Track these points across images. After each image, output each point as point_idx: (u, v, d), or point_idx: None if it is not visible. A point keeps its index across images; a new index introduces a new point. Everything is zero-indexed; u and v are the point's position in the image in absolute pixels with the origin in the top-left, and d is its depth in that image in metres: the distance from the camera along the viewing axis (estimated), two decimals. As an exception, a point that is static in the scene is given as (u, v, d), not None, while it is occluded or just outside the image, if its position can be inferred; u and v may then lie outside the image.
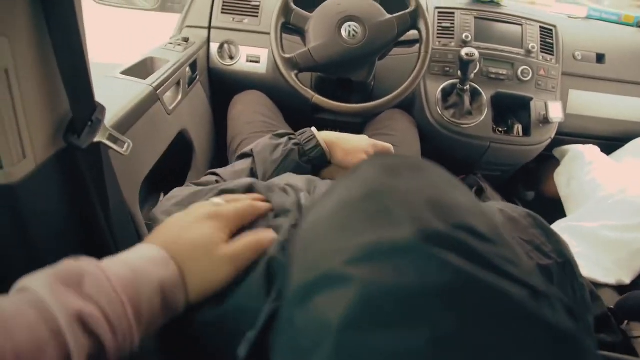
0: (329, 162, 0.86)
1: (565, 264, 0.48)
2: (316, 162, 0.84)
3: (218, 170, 0.79)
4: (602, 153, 1.53)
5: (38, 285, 0.35)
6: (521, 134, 1.50)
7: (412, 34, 1.32)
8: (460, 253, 0.22)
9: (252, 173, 0.80)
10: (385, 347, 0.20)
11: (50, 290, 0.35)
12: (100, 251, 0.70)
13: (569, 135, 1.63)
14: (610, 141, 1.63)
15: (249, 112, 1.38)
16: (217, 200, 0.51)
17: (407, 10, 1.27)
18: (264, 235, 0.46)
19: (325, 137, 0.85)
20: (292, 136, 0.85)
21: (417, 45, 1.30)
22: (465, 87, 1.44)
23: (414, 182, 0.28)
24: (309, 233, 0.29)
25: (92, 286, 0.36)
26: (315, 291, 0.24)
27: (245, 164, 0.82)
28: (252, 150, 0.83)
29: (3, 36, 0.46)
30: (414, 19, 1.27)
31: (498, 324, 0.20)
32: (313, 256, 0.26)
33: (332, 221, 0.28)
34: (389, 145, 0.91)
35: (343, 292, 0.22)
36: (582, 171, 1.44)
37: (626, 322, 0.91)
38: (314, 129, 0.86)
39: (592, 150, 1.53)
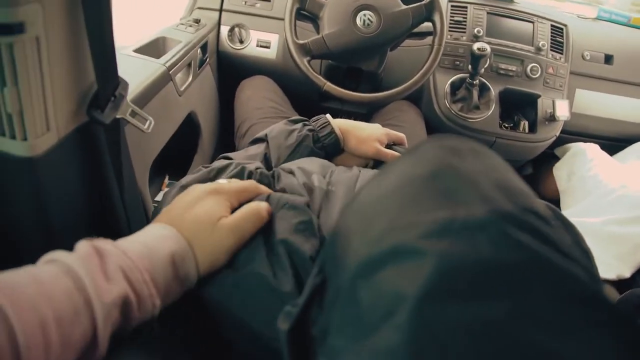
0: (342, 149, 0.86)
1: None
2: (330, 150, 0.84)
3: (231, 154, 0.79)
4: (603, 151, 1.54)
5: (67, 258, 0.37)
6: (527, 130, 1.51)
7: (425, 26, 1.31)
8: (532, 234, 0.23)
9: (266, 158, 0.80)
10: (463, 318, 0.20)
11: (80, 262, 0.36)
12: (113, 228, 0.70)
13: (572, 134, 1.64)
14: (614, 142, 1.65)
15: (258, 97, 1.37)
16: (221, 180, 0.54)
17: (422, 2, 1.26)
18: (262, 206, 0.48)
19: (340, 124, 0.85)
20: (306, 122, 0.85)
21: (429, 37, 1.30)
22: (474, 82, 1.44)
23: (478, 164, 0.28)
24: (369, 207, 0.29)
25: (113, 263, 0.38)
26: (384, 264, 0.24)
27: (259, 148, 0.82)
28: (266, 135, 0.83)
29: (36, 3, 0.45)
30: (430, 10, 1.26)
31: (569, 301, 0.21)
32: (378, 230, 0.26)
33: (398, 197, 0.28)
34: (402, 135, 0.91)
35: (418, 265, 0.22)
36: (584, 167, 1.46)
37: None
38: (328, 115, 0.85)
39: (593, 148, 1.54)
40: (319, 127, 0.84)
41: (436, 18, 1.26)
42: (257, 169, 0.60)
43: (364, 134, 0.86)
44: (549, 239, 0.23)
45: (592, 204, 1.32)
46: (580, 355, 0.19)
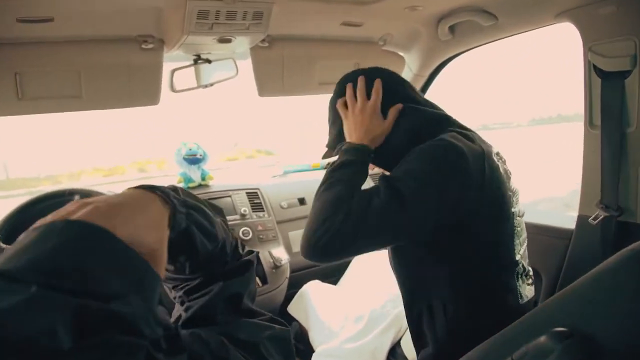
0: None
1: None
2: None
3: None
4: (324, 284, 1.76)
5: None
6: (260, 284, 1.68)
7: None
8: None
9: None
10: None
11: None
12: None
13: (303, 269, 1.89)
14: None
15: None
16: None
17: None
18: None
19: None
20: None
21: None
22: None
23: None
24: None
25: None
26: None
27: None
28: None
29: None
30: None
31: None
32: None
33: None
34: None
35: None
36: (310, 304, 1.63)
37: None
38: None
39: (314, 286, 1.72)
40: None
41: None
42: None
43: None
44: None
45: (327, 330, 1.49)
46: None
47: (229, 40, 1.33)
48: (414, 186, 0.92)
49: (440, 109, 1.15)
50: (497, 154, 1.10)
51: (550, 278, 1.52)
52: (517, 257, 1.08)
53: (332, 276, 1.91)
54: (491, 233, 1.03)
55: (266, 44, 1.48)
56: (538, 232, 1.52)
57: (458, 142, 0.97)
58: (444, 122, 1.10)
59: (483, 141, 1.09)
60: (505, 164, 1.14)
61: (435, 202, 0.93)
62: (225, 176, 2.19)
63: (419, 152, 0.98)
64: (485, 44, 1.66)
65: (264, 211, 1.89)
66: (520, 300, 1.09)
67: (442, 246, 1.02)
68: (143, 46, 1.37)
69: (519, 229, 1.09)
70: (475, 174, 0.97)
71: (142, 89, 1.45)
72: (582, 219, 1.41)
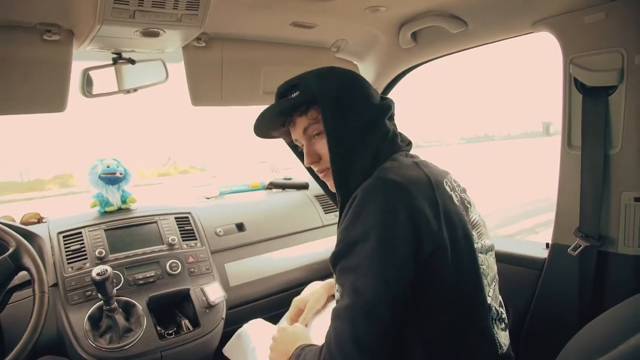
0: None
1: None
2: None
3: None
4: (266, 322, 1.55)
5: None
6: (191, 328, 1.42)
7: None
8: None
9: None
10: None
11: None
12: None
13: (241, 304, 1.64)
14: (276, 295, 1.73)
15: None
16: None
17: (6, 254, 1.08)
18: None
19: None
20: None
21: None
22: (112, 306, 1.30)
23: None
24: None
25: None
26: None
27: None
28: None
29: None
30: (17, 259, 1.09)
31: None
32: None
33: None
34: None
35: None
36: (248, 347, 1.42)
37: None
38: None
39: (254, 326, 1.52)
40: None
41: (28, 264, 1.09)
42: None
43: None
44: None
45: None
46: None
47: (156, 34, 1.09)
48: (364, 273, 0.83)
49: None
50: (452, 181, 0.99)
51: (517, 313, 1.40)
52: (489, 301, 0.94)
53: (276, 310, 1.69)
54: (452, 279, 0.88)
55: (202, 44, 1.26)
56: (503, 260, 1.40)
57: (396, 177, 0.88)
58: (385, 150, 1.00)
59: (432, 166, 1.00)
60: (463, 192, 1.01)
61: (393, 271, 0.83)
62: (155, 195, 1.92)
63: (357, 212, 0.87)
64: (450, 54, 1.54)
65: (196, 239, 1.63)
66: (500, 351, 0.95)
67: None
68: (46, 37, 1.10)
69: (484, 267, 0.95)
70: (423, 212, 0.85)
71: (45, 92, 1.18)
72: (557, 248, 1.31)
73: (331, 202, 2.11)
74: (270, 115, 1.05)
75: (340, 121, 0.96)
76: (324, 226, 1.99)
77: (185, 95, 1.37)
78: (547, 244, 1.48)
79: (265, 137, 1.14)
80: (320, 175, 1.07)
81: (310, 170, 1.12)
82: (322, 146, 1.01)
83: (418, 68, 1.66)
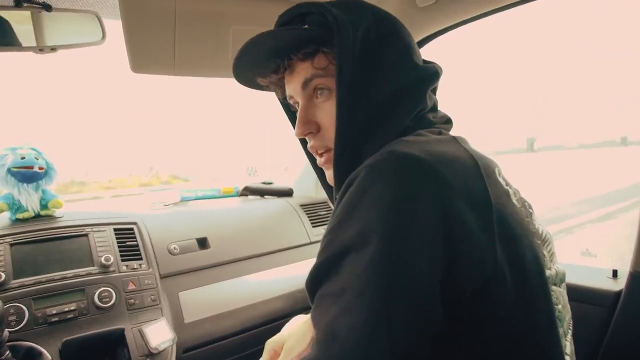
0: None
1: None
2: None
3: None
4: None
5: None
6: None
7: None
8: None
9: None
10: None
11: None
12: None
13: (199, 347, 1.23)
14: (247, 332, 1.32)
15: None
16: None
17: None
18: None
19: None
20: None
21: None
22: (3, 357, 0.89)
23: None
24: None
25: None
26: None
27: None
28: None
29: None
30: None
31: None
32: None
33: None
34: None
35: None
36: None
37: None
38: None
39: None
40: None
41: None
42: None
43: None
44: None
45: None
46: None
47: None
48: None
49: None
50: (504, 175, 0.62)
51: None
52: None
53: (246, 351, 1.30)
54: (510, 329, 0.51)
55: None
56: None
57: (417, 151, 0.52)
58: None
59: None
60: (518, 193, 0.63)
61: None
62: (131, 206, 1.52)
63: (352, 203, 0.51)
64: (479, 16, 1.16)
65: (140, 259, 1.22)
66: None
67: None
68: None
69: (559, 307, 0.59)
70: (460, 210, 0.49)
71: None
72: (637, 277, 0.96)
73: (321, 213, 1.72)
74: (260, 50, 0.67)
75: (364, 80, 0.59)
76: (311, 243, 1.59)
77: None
78: (614, 271, 1.13)
79: (247, 85, 0.76)
80: (320, 162, 0.70)
81: (304, 145, 0.75)
82: (325, 112, 0.65)
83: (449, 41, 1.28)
